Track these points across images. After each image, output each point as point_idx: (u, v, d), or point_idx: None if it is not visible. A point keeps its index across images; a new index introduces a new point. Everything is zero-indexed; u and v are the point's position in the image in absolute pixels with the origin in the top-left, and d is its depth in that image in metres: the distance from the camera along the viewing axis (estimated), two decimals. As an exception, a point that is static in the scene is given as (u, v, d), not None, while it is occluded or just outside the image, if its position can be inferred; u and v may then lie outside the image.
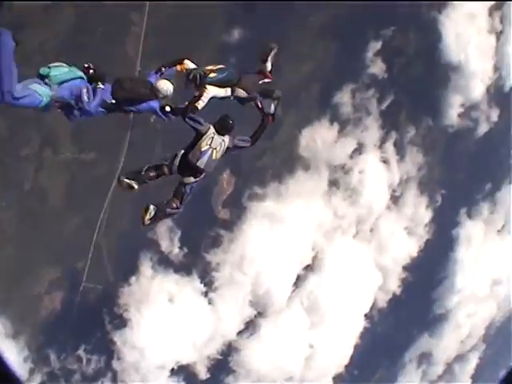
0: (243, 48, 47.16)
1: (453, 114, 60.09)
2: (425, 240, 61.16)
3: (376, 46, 53.43)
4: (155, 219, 11.49)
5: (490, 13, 62.47)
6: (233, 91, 12.00)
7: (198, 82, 11.51)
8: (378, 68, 53.92)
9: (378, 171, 55.47)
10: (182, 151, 11.27)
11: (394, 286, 60.18)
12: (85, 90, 10.49)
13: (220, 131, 11.25)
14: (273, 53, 12.70)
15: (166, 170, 11.18)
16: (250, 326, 51.81)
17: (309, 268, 53.18)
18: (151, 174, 11.05)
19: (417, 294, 61.90)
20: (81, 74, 10.70)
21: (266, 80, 12.78)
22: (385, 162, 56.02)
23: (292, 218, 50.13)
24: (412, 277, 60.78)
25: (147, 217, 11.26)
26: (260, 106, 12.42)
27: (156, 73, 11.72)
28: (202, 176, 11.48)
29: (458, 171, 62.26)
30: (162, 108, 11.17)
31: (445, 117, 59.61)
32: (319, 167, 51.46)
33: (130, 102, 10.97)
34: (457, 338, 71.06)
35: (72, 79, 10.47)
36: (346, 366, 58.64)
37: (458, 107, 60.41)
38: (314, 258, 53.26)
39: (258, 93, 12.50)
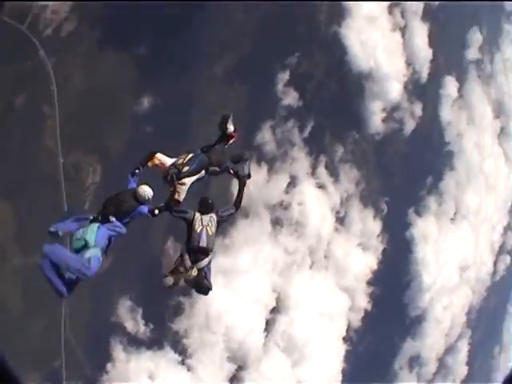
0: (156, 114, 48.65)
1: (376, 120, 62.08)
2: (381, 250, 62.93)
3: (284, 76, 54.55)
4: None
5: (390, 10, 64.74)
6: (207, 171, 12.67)
7: (175, 181, 12.16)
8: (291, 98, 54.97)
9: (317, 198, 56.77)
10: (186, 252, 11.94)
11: (364, 303, 61.70)
12: (113, 230, 11.78)
13: (204, 212, 12.09)
14: (230, 120, 13.14)
15: (181, 269, 11.85)
16: (234, 381, 52.66)
17: (275, 310, 54.13)
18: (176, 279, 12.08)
19: (388, 304, 63.24)
20: (96, 224, 12.09)
21: (231, 141, 13.27)
22: (321, 187, 57.39)
23: (245, 267, 51.11)
24: (379, 289, 62.34)
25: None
26: (233, 172, 13.06)
27: (132, 176, 12.62)
28: (211, 255, 12.02)
29: (395, 174, 63.98)
30: (151, 211, 12.05)
31: (369, 126, 61.53)
32: (258, 211, 52.62)
33: (122, 217, 11.91)
34: (441, 333, 73.04)
35: (96, 230, 12.01)
36: (340, 392, 59.73)
37: (380, 112, 62.44)
38: (278, 299, 54.18)
39: (230, 160, 13.14)
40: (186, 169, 12.17)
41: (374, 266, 62.34)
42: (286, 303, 54.81)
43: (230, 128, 12.96)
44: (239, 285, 51.27)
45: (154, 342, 50.03)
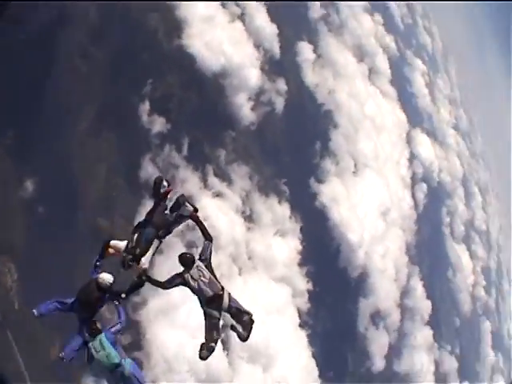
0: (43, 191, 48.33)
1: (246, 111, 63.55)
2: (299, 229, 64.48)
3: (145, 107, 54.55)
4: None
5: (223, 4, 66.23)
6: (159, 238, 12.87)
7: (134, 266, 12.43)
8: (159, 124, 55.00)
9: (219, 207, 57.56)
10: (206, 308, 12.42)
11: (304, 285, 63.09)
12: (114, 332, 12.43)
13: (189, 268, 12.28)
14: (164, 183, 13.26)
15: (214, 319, 12.27)
16: None
17: (224, 326, 54.99)
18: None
19: (327, 275, 65.34)
20: (102, 338, 12.16)
21: (169, 196, 13.41)
22: (218, 195, 58.33)
23: (179, 299, 51.14)
24: (312, 266, 64.06)
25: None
26: (180, 219, 13.19)
27: (95, 269, 12.77)
28: (225, 293, 12.26)
29: (284, 154, 66.08)
30: (116, 298, 12.48)
31: (241, 120, 63.00)
32: (169, 242, 52.37)
33: (94, 313, 12.47)
34: (389, 281, 75.88)
35: (109, 345, 12.28)
36: (320, 376, 61.44)
37: (247, 103, 63.97)
38: (222, 315, 54.87)
39: (171, 211, 13.24)
40: (138, 251, 12.45)
41: (299, 247, 63.94)
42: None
43: (164, 188, 13.21)
44: (181, 318, 50.84)
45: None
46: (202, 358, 12.18)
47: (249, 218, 61.07)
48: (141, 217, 42.12)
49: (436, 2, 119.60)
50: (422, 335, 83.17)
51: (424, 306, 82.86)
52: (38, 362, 43.72)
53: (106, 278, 12.38)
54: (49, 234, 45.18)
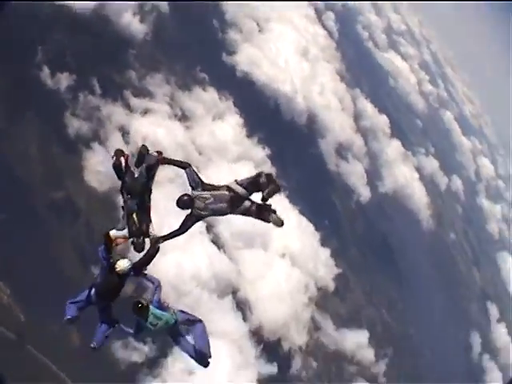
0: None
1: (136, 26, 62.67)
2: (232, 105, 65.26)
3: (45, 72, 51.42)
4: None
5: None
6: (148, 202, 12.81)
7: (144, 244, 12.45)
8: (64, 79, 51.95)
9: (151, 122, 57.48)
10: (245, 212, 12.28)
11: (261, 153, 64.51)
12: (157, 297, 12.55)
13: (193, 206, 12.12)
14: (122, 162, 12.93)
15: (256, 201, 12.01)
16: (240, 306, 54.90)
17: (209, 228, 54.92)
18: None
19: (278, 134, 66.89)
20: (154, 310, 12.37)
21: (127, 161, 13.17)
22: (146, 112, 58.23)
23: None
24: (260, 133, 65.04)
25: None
26: (151, 170, 12.88)
27: (109, 267, 12.61)
28: (235, 187, 11.96)
29: (187, 44, 66.17)
30: (139, 272, 12.61)
31: (135, 34, 62.47)
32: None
33: (117, 295, 12.54)
34: (337, 112, 78.47)
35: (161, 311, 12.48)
36: (316, 229, 64.08)
37: (134, 18, 62.86)
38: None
39: (137, 165, 12.89)
40: (144, 226, 12.44)
41: (240, 121, 64.74)
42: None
43: (122, 162, 12.94)
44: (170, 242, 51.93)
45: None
46: (281, 223, 12.04)
47: (183, 117, 61.11)
48: (88, 172, 43.00)
49: None
50: (392, 148, 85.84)
51: (380, 121, 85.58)
52: (68, 358, 43.63)
53: (124, 264, 12.42)
54: (18, 235, 45.37)
